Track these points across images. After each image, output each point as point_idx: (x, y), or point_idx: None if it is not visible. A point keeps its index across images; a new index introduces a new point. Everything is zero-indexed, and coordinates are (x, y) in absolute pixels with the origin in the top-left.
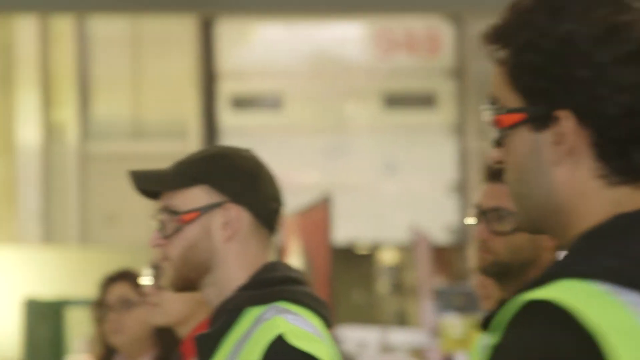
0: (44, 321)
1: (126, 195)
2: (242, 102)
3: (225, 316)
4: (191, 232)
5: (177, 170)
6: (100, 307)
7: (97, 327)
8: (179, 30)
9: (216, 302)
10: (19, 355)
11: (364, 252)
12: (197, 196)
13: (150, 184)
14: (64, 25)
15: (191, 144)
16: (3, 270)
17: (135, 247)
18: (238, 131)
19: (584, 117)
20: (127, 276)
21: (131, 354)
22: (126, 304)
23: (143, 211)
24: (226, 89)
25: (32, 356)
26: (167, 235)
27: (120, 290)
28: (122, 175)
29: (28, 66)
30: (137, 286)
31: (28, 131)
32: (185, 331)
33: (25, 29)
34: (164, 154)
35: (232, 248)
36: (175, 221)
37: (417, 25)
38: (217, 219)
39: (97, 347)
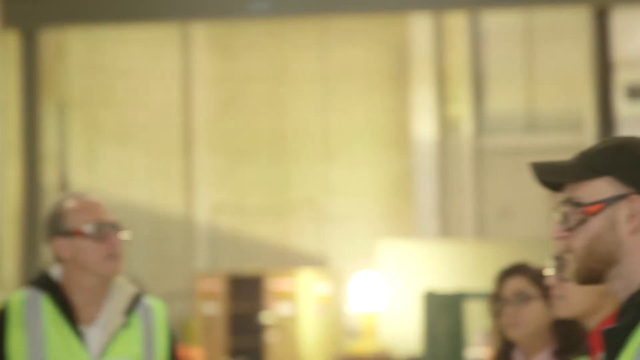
0: (443, 314)
1: (520, 188)
2: (639, 92)
3: (634, 311)
4: (595, 224)
5: (580, 161)
6: (497, 300)
7: (495, 320)
8: (572, 21)
9: (623, 296)
10: (420, 347)
11: None
12: (601, 188)
13: (554, 176)
14: (457, 22)
15: (586, 135)
16: (403, 263)
17: (529, 241)
18: (635, 121)
19: None
20: (523, 270)
21: (529, 348)
22: (523, 298)
23: (537, 204)
24: (622, 78)
25: (432, 348)
26: (570, 227)
27: (517, 284)
28: (517, 169)
29: (423, 63)
30: (533, 280)
31: (423, 127)
32: (591, 324)
33: (419, 27)
34: (559, 146)
35: (638, 240)
36: (580, 213)
37: None
38: (622, 211)
39: (495, 341)
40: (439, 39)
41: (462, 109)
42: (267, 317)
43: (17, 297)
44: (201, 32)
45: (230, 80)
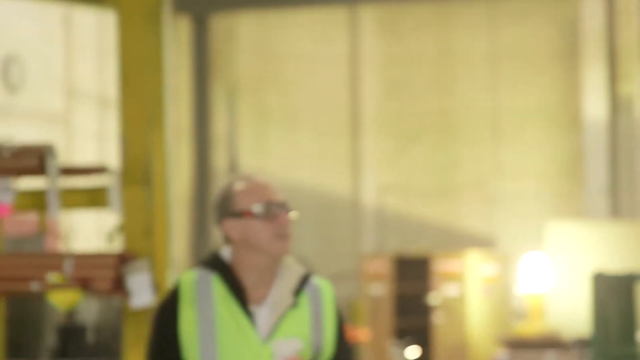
0: (613, 295)
1: None
2: None
3: None
4: None
5: None
6: None
7: None
8: None
9: None
10: (589, 328)
11: None
12: None
13: None
14: None
15: None
16: (572, 245)
17: None
18: None
19: None
20: None
21: None
22: None
23: None
24: None
25: (602, 330)
26: None
27: None
28: None
29: (594, 40)
30: None
31: (594, 105)
32: None
33: (590, 4)
34: None
35: None
36: None
37: None
38: None
39: None
40: (611, 17)
41: (634, 87)
42: (433, 298)
43: (189, 277)
44: (369, 15)
45: (398, 62)
